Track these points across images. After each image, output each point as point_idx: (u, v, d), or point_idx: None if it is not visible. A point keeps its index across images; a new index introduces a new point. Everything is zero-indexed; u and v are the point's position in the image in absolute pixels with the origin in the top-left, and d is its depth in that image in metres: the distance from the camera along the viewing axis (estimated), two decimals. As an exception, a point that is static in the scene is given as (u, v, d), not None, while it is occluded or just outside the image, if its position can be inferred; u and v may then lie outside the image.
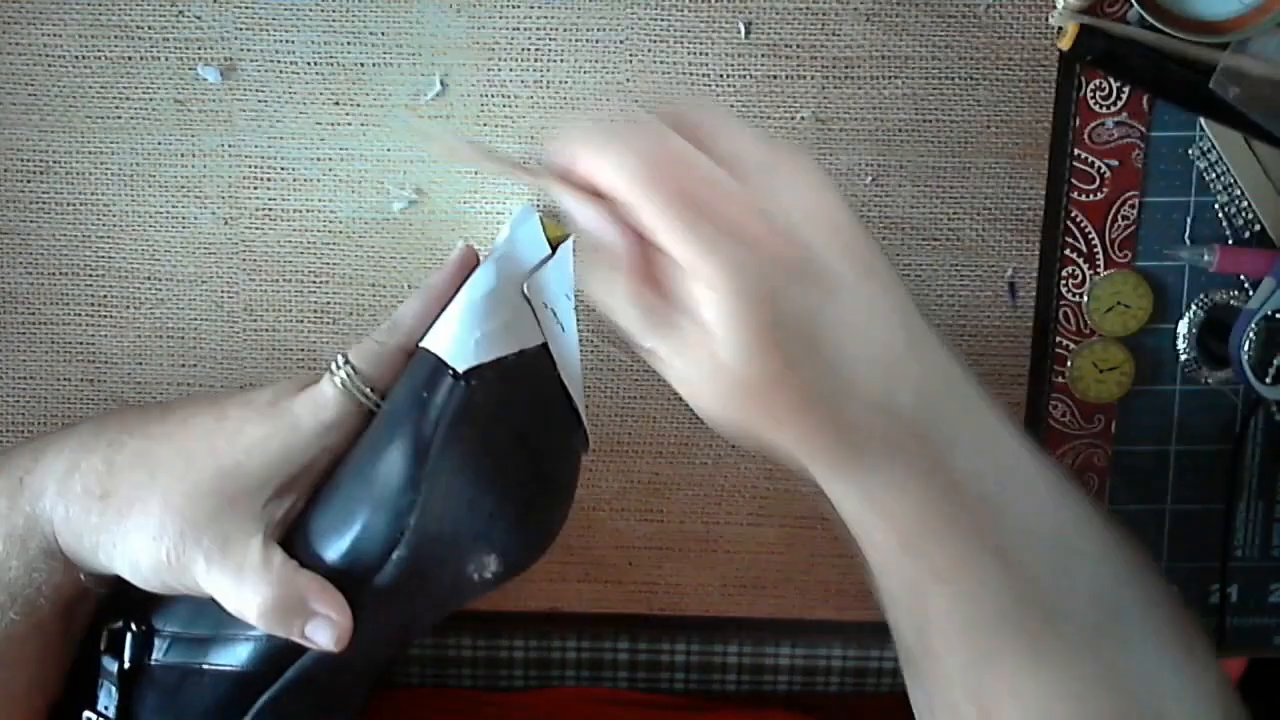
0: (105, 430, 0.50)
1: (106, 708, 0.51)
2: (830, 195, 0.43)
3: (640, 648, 0.64)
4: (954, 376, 0.46)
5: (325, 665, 0.49)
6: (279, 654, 0.49)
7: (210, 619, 0.50)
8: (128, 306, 0.61)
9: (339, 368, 0.50)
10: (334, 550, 0.49)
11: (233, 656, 0.50)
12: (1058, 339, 0.61)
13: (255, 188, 0.60)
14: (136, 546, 0.48)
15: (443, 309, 0.52)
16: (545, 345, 0.50)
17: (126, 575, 0.49)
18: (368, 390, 0.50)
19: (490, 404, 0.49)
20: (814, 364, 0.42)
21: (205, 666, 0.50)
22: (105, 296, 0.61)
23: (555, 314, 0.52)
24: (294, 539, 0.50)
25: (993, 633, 0.47)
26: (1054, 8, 0.58)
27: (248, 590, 0.47)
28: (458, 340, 0.49)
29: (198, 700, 0.50)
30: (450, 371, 0.48)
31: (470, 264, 0.53)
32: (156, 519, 0.48)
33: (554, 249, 0.55)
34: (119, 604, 0.51)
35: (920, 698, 0.51)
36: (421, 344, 0.51)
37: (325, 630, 0.48)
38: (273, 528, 0.49)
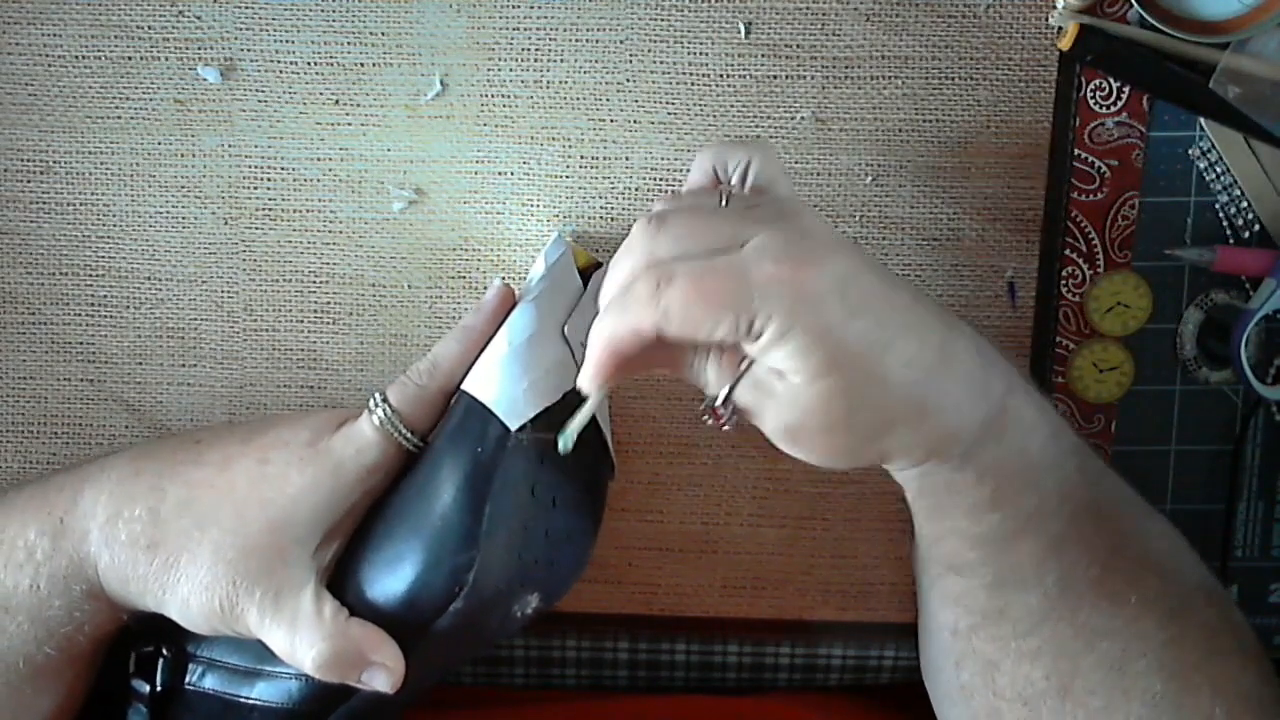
0: (143, 473, 0.50)
1: None
2: (811, 222, 0.44)
3: (640, 647, 0.64)
4: (982, 338, 0.48)
5: (373, 704, 0.50)
6: (328, 693, 0.50)
7: (252, 651, 0.50)
8: (128, 306, 0.61)
9: (377, 406, 0.50)
10: (386, 597, 0.49)
11: (281, 694, 0.50)
12: (1058, 339, 0.61)
13: (255, 188, 0.60)
14: (187, 595, 0.49)
15: (481, 350, 0.52)
16: None
17: (176, 619, 0.50)
18: (408, 432, 0.50)
19: (539, 456, 0.50)
20: (882, 364, 0.43)
21: (252, 702, 0.50)
22: (105, 296, 0.61)
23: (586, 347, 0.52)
24: (342, 582, 0.50)
25: (1073, 580, 0.49)
26: (1054, 8, 0.58)
27: (303, 643, 0.48)
28: (504, 390, 0.50)
29: None
30: (501, 426, 0.49)
31: (508, 303, 0.53)
32: (208, 570, 0.48)
33: (583, 277, 0.54)
34: (148, 628, 0.52)
35: (970, 676, 0.52)
36: (465, 389, 0.51)
37: (381, 677, 0.48)
38: (321, 574, 0.50)
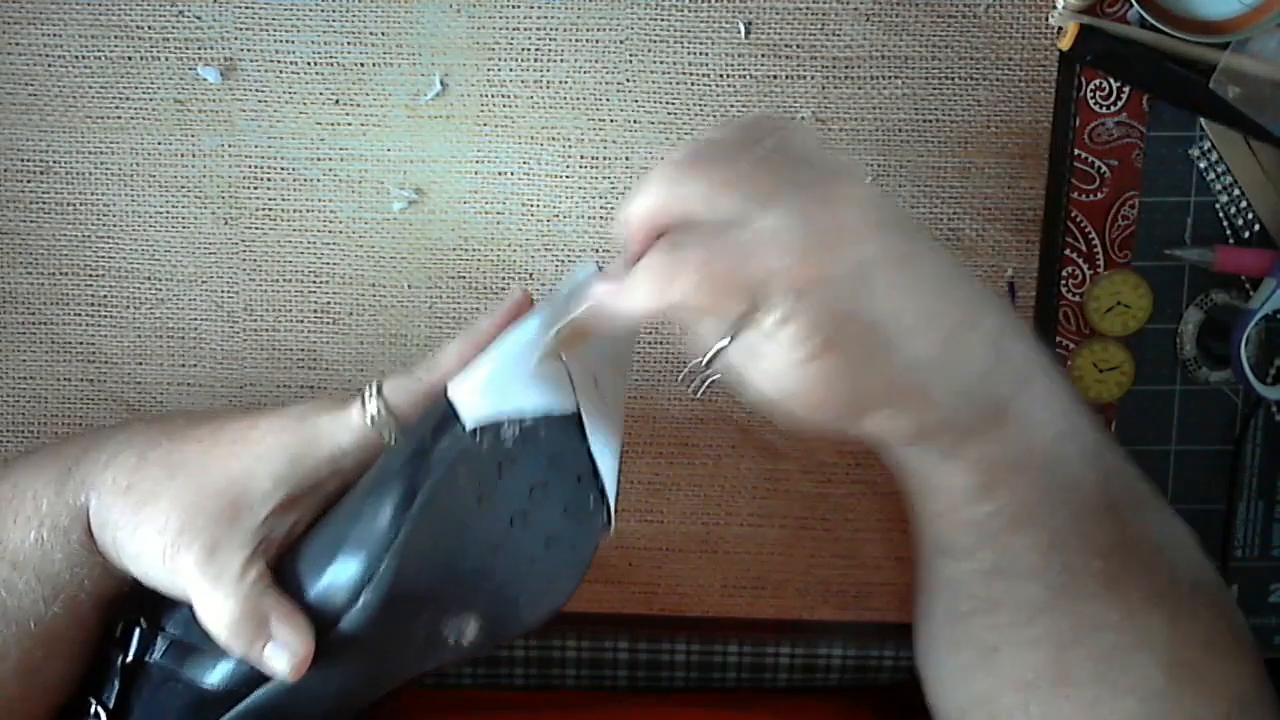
0: (150, 429, 0.51)
1: (108, 699, 0.51)
2: (853, 190, 0.43)
3: (640, 647, 0.64)
4: (1012, 329, 0.48)
5: (285, 701, 0.48)
6: (249, 681, 0.48)
7: (199, 628, 0.49)
8: (128, 306, 0.61)
9: (371, 397, 0.50)
10: (311, 583, 0.48)
11: (206, 673, 0.49)
12: (1058, 339, 0.61)
13: (255, 188, 0.60)
14: (143, 540, 0.48)
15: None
16: (578, 413, 0.48)
17: (132, 570, 0.49)
18: (390, 423, 0.50)
19: (495, 463, 0.47)
20: (882, 353, 0.43)
21: (182, 676, 0.49)
22: (105, 296, 0.61)
23: (598, 382, 0.50)
24: (285, 565, 0.49)
25: (1078, 573, 0.49)
26: (1054, 8, 0.58)
27: (217, 601, 0.47)
28: (479, 390, 0.48)
29: (167, 708, 0.49)
30: (459, 421, 0.47)
31: (521, 309, 0.52)
32: (163, 514, 0.48)
33: None
34: (139, 600, 0.51)
35: (967, 660, 0.51)
36: (448, 387, 0.50)
37: (283, 657, 0.46)
38: (268, 543, 0.49)
